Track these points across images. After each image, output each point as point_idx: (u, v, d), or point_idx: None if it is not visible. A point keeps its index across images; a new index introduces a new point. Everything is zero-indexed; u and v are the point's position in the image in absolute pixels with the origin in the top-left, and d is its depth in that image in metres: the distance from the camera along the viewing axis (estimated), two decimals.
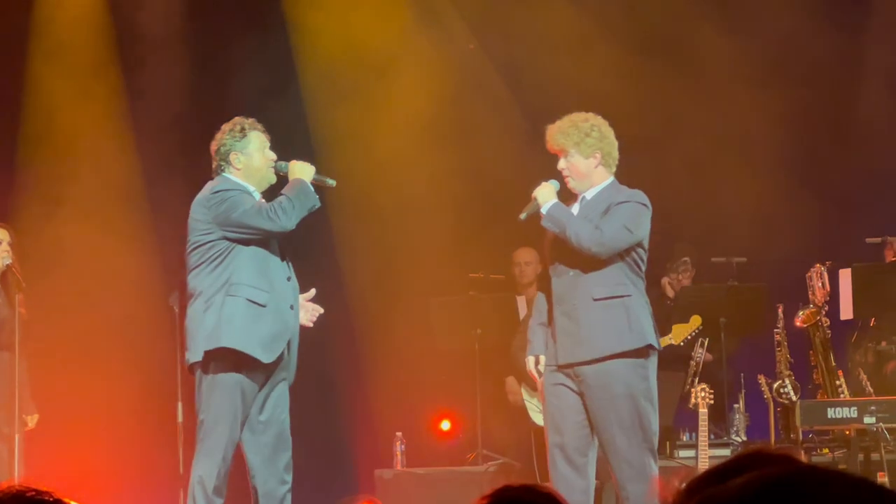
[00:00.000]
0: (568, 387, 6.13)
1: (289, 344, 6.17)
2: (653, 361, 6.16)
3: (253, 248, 6.09)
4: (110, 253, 9.36)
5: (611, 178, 6.24)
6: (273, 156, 6.25)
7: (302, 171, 6.20)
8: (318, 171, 6.28)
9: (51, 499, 1.92)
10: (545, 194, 6.18)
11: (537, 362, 6.27)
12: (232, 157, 6.19)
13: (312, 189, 6.16)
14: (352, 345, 9.90)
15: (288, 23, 10.02)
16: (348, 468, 9.65)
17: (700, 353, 8.70)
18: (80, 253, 9.24)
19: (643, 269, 6.22)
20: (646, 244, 6.20)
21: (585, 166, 6.17)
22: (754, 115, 9.51)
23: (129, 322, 9.26)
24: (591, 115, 6.24)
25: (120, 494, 8.88)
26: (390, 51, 9.84)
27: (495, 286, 9.35)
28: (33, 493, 1.88)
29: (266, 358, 6.01)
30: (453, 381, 9.42)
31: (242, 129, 6.21)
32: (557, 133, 6.19)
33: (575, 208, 6.24)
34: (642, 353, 6.09)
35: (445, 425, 9.36)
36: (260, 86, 9.56)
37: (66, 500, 1.95)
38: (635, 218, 6.11)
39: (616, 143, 6.22)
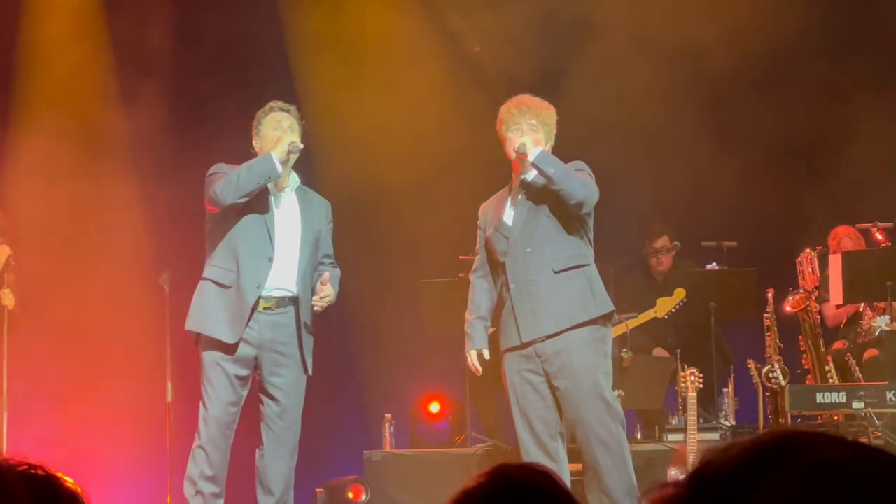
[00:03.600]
0: (531, 370, 6.15)
1: (299, 332, 6.18)
2: (610, 333, 6.23)
3: (230, 229, 6.19)
4: (101, 231, 9.34)
5: None
6: (281, 132, 6.27)
7: (277, 145, 6.19)
8: (293, 144, 6.22)
9: (42, 472, 1.91)
10: (531, 141, 6.13)
11: (479, 356, 6.29)
12: (254, 143, 6.35)
13: (272, 161, 6.12)
14: (341, 326, 9.89)
15: None
16: (337, 450, 9.65)
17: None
18: (70, 230, 9.23)
19: (592, 241, 6.28)
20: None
21: (546, 147, 6.24)
22: (747, 101, 9.52)
23: (119, 301, 9.25)
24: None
25: (108, 474, 8.88)
26: (392, 30, 9.83)
27: None
28: (25, 466, 1.87)
29: (228, 338, 6.11)
30: (443, 363, 9.41)
31: (262, 113, 6.38)
32: (534, 107, 6.24)
33: (514, 194, 6.29)
34: (604, 321, 6.15)
35: (434, 407, 9.35)
36: (250, 51, 9.58)
37: (57, 474, 1.94)
38: (593, 181, 6.19)
39: None
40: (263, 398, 6.25)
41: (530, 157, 6.08)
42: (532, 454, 6.11)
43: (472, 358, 6.33)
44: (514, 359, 6.18)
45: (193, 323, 6.23)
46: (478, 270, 6.46)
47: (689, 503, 1.39)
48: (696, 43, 9.41)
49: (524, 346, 6.13)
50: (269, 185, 6.26)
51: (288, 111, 6.36)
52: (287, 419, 6.24)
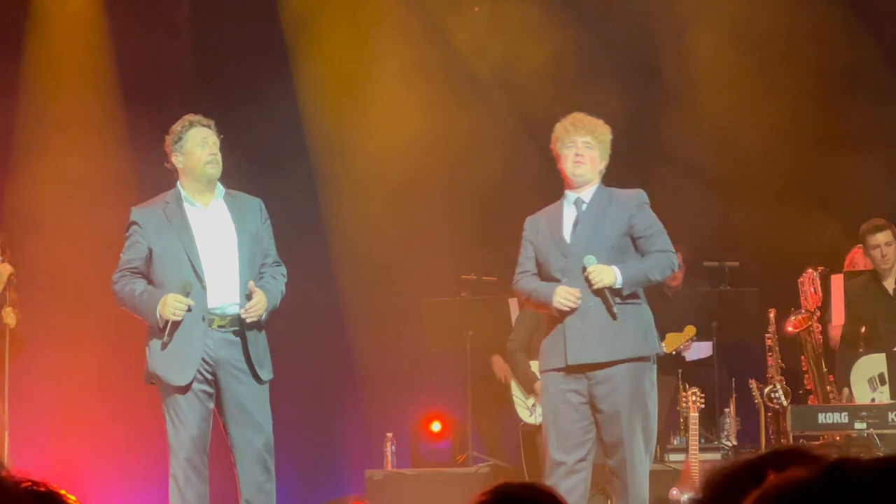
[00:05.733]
0: (575, 390, 6.10)
1: (244, 344, 6.13)
2: (655, 367, 6.23)
3: (156, 274, 6.14)
4: (103, 243, 9.34)
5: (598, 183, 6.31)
6: (213, 150, 6.16)
7: (163, 305, 6.00)
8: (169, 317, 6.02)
9: (45, 489, 1.91)
10: (607, 274, 6.04)
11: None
12: (173, 158, 6.22)
13: (155, 317, 6.01)
14: (343, 345, 9.90)
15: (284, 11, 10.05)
16: (338, 468, 9.64)
17: None
18: (71, 244, 9.23)
19: None
20: None
21: (600, 165, 6.25)
22: (748, 120, 9.53)
23: (121, 317, 9.23)
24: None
25: (111, 490, 8.87)
26: (389, 54, 9.85)
27: (487, 288, 9.35)
28: (29, 483, 1.88)
29: (180, 381, 6.03)
30: (444, 383, 9.42)
31: (181, 128, 6.19)
32: (589, 124, 6.24)
33: (569, 211, 6.24)
34: (651, 357, 6.17)
35: (436, 427, 9.36)
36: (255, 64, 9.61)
37: (60, 491, 1.95)
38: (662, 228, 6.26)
39: None
40: (226, 419, 6.15)
41: (617, 284, 6.02)
42: (560, 472, 6.07)
43: (563, 290, 6.05)
44: (558, 378, 6.13)
45: (148, 374, 6.14)
46: (526, 272, 6.30)
47: (825, 490, 1.38)
48: (696, 62, 9.44)
49: (570, 368, 6.10)
50: (187, 205, 6.18)
51: (209, 126, 6.23)
52: (254, 433, 6.15)
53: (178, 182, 6.25)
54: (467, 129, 9.71)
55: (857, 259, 8.65)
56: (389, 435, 8.96)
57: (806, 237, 9.09)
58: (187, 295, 5.99)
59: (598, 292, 6.01)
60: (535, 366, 8.45)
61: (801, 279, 8.45)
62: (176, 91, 9.58)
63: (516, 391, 8.60)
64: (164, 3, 9.76)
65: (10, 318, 7.81)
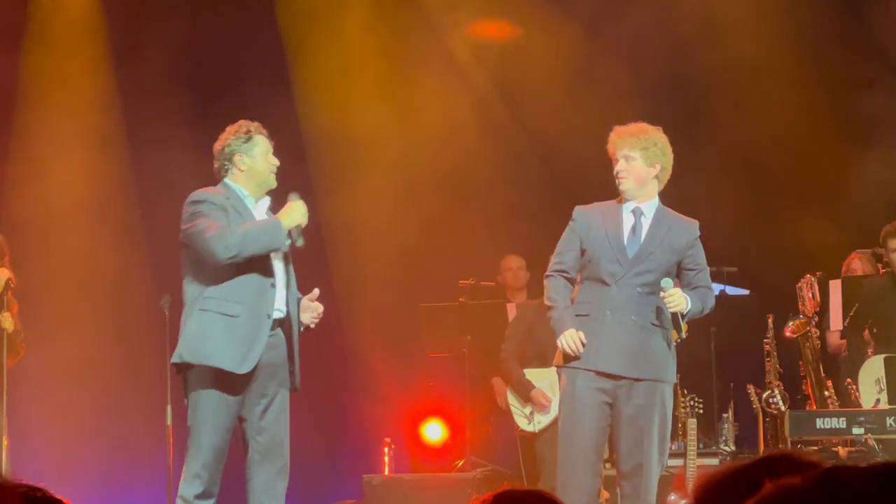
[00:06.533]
0: (604, 390, 6.16)
1: (291, 352, 6.14)
2: (672, 388, 6.37)
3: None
4: (101, 254, 9.35)
5: (657, 197, 6.35)
6: (276, 161, 6.24)
7: (289, 213, 6.08)
8: (299, 227, 6.08)
9: (41, 494, 1.92)
10: (683, 300, 6.18)
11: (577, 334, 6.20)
12: (236, 158, 6.20)
13: (283, 233, 6.02)
14: (341, 350, 9.90)
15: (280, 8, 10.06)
16: (337, 473, 9.64)
17: None
18: (70, 255, 9.24)
19: None
20: None
21: (646, 173, 6.27)
22: (745, 124, 9.54)
23: (119, 325, 9.25)
24: (657, 128, 6.35)
25: (108, 496, 8.87)
26: (392, 64, 9.87)
27: (486, 293, 9.36)
28: (25, 488, 1.88)
29: (240, 369, 5.95)
30: (443, 388, 9.43)
31: (248, 132, 6.22)
32: (627, 135, 6.27)
33: (627, 217, 6.28)
34: (669, 382, 6.30)
35: (434, 431, 9.36)
36: (256, 74, 9.61)
37: (57, 497, 1.95)
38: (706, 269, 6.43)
39: (671, 163, 6.33)
40: (249, 419, 6.14)
41: (685, 311, 6.20)
42: (579, 470, 6.13)
43: (571, 336, 6.15)
44: (586, 375, 6.18)
45: (201, 355, 5.97)
46: (561, 266, 6.32)
47: (821, 498, 1.39)
48: (695, 73, 9.45)
49: (608, 374, 6.16)
50: (249, 204, 6.18)
51: (268, 138, 6.28)
52: (277, 437, 6.15)
53: (229, 181, 6.23)
54: (468, 132, 9.71)
55: (854, 265, 8.66)
56: (387, 440, 8.96)
57: (804, 242, 9.10)
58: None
59: (672, 315, 6.15)
60: (528, 374, 8.47)
61: (800, 284, 8.46)
62: (176, 92, 9.59)
63: (513, 400, 8.59)
64: (165, 5, 9.76)
65: (8, 322, 7.80)
